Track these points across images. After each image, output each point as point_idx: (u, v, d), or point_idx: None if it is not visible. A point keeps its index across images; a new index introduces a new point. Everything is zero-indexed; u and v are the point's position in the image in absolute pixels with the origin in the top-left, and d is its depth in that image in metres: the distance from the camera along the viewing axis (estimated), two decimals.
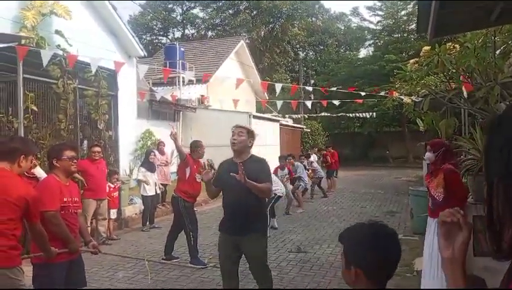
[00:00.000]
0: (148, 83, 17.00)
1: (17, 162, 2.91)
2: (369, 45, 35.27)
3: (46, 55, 6.46)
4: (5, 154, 2.91)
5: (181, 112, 15.63)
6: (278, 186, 8.14)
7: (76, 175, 7.02)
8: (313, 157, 13.20)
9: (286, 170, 9.73)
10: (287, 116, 22.02)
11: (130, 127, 11.08)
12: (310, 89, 14.74)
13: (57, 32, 9.13)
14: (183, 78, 17.87)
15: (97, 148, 7.35)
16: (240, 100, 12.70)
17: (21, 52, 6.36)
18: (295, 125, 22.23)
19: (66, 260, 3.24)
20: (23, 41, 7.27)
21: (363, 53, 36.38)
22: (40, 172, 6.44)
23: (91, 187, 7.05)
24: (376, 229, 1.56)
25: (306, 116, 23.45)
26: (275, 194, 8.00)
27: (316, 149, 14.27)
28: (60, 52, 7.80)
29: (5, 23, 7.75)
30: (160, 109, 14.74)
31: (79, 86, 8.35)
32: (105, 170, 7.52)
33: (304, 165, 11.72)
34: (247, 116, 15.83)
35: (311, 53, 39.46)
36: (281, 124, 19.17)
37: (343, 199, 12.11)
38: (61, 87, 7.76)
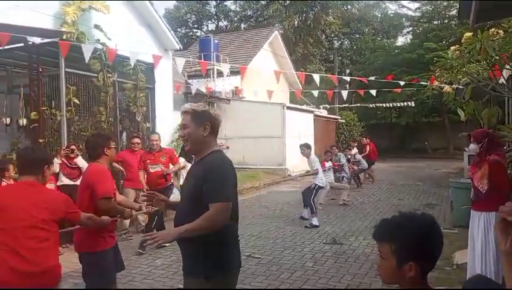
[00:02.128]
0: (184, 75, 17.22)
1: (41, 173, 2.79)
2: (407, 32, 34.17)
3: (87, 50, 6.66)
4: (29, 167, 2.78)
5: (215, 104, 15.76)
6: (321, 177, 8.13)
7: (117, 165, 7.27)
8: (355, 150, 13.22)
9: (330, 162, 9.93)
10: (321, 106, 21.76)
11: (167, 119, 11.27)
12: (348, 78, 14.46)
13: (96, 26, 9.38)
14: (217, 70, 18.02)
15: (137, 140, 7.54)
16: (274, 91, 12.64)
17: (63, 47, 6.59)
18: (330, 116, 21.93)
19: (114, 245, 3.39)
20: (64, 37, 7.51)
21: (400, 41, 35.34)
22: (82, 162, 6.70)
23: (130, 177, 7.24)
24: (427, 220, 1.51)
25: (341, 105, 23.02)
26: (316, 184, 7.96)
27: (356, 143, 14.19)
28: (100, 47, 8.01)
29: (46, 19, 8.04)
30: (195, 102, 14.90)
31: (118, 79, 8.58)
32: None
33: (348, 159, 12.10)
34: (280, 107, 15.77)
35: (346, 42, 38.68)
36: (315, 115, 18.98)
37: (379, 191, 11.89)
38: (101, 81, 8.00)
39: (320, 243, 6.40)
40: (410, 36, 32.94)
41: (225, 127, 15.50)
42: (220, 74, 18.39)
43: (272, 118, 15.38)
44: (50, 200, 2.74)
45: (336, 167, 10.81)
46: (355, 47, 36.53)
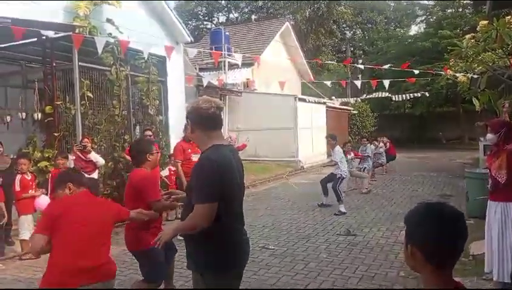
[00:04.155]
0: (195, 68, 17.23)
1: None
2: (421, 21, 33.62)
3: (100, 43, 6.69)
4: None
5: (227, 96, 15.75)
6: (344, 168, 8.31)
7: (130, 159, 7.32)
8: (382, 144, 13.31)
9: (352, 154, 10.21)
10: (333, 98, 21.59)
11: (179, 112, 11.28)
12: (362, 66, 14.26)
13: (108, 20, 9.40)
14: (229, 62, 18.00)
15: (149, 132, 7.60)
16: (286, 83, 12.58)
17: (77, 40, 6.63)
18: (342, 107, 21.77)
19: None
20: (77, 31, 7.55)
21: (414, 30, 34.78)
22: (95, 156, 6.77)
23: None
24: (434, 207, 1.49)
25: (356, 100, 22.73)
26: (340, 175, 8.16)
27: (385, 138, 14.15)
28: (112, 40, 8.04)
29: (59, 13, 8.08)
30: (207, 94, 14.92)
31: (130, 73, 8.61)
32: (158, 153, 7.72)
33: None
34: (292, 99, 15.70)
35: (358, 32, 38.24)
36: (327, 106, 18.85)
37: (393, 182, 11.79)
38: (114, 74, 8.04)
39: (334, 234, 6.39)
40: (423, 25, 32.42)
41: (237, 119, 15.51)
42: (231, 66, 18.38)
43: (284, 110, 15.32)
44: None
45: (360, 157, 11.04)
46: (367, 37, 36.11)
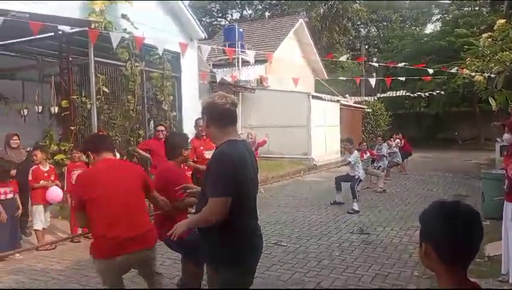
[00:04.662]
0: (209, 64, 17.26)
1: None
2: (437, 19, 33.12)
3: (115, 38, 6.73)
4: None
5: (240, 93, 15.75)
6: (360, 170, 8.44)
7: (144, 153, 7.38)
8: (396, 142, 13.19)
9: (369, 154, 10.29)
10: (347, 96, 21.42)
11: (193, 108, 11.32)
12: (376, 64, 14.14)
13: (123, 16, 9.46)
14: (242, 59, 17.99)
15: (161, 127, 7.61)
16: (299, 80, 12.51)
17: (92, 35, 6.68)
18: (356, 105, 21.59)
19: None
20: (92, 26, 7.62)
21: (430, 28, 34.29)
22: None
23: (156, 165, 7.30)
24: (449, 205, 1.46)
25: (371, 98, 22.51)
26: (359, 177, 8.30)
27: (399, 135, 14.03)
28: (127, 36, 8.09)
29: (74, 8, 8.16)
30: (220, 91, 14.96)
31: (145, 68, 8.67)
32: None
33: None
34: (306, 96, 15.62)
35: (373, 30, 37.86)
36: (341, 104, 18.72)
37: (408, 182, 11.67)
38: (129, 70, 8.11)
39: (347, 233, 6.35)
40: (439, 24, 31.93)
41: (250, 116, 15.49)
42: (244, 63, 18.37)
43: (297, 107, 15.25)
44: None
45: (375, 157, 11.03)
46: (382, 35, 35.74)
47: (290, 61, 19.23)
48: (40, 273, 4.82)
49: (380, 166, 11.07)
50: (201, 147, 6.02)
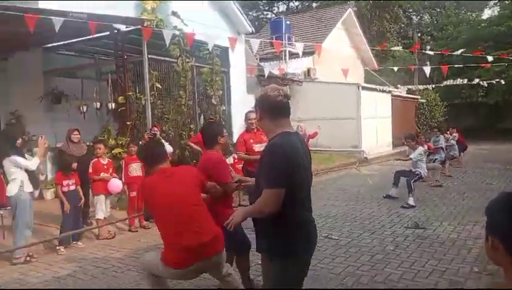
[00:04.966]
0: (256, 58, 17.31)
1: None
2: (495, 4, 31.08)
3: (167, 36, 6.91)
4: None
5: (287, 86, 15.68)
6: (423, 168, 8.18)
7: (195, 146, 7.55)
8: (454, 135, 12.76)
9: (426, 146, 9.81)
10: (399, 86, 20.70)
11: (241, 102, 11.45)
12: (431, 53, 13.55)
13: (174, 13, 9.71)
14: (289, 52, 17.89)
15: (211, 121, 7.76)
16: (349, 70, 12.23)
17: (146, 33, 6.90)
18: (409, 95, 20.82)
19: None
20: (145, 24, 7.87)
21: (487, 13, 32.28)
22: (164, 143, 7.04)
23: None
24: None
25: (429, 87, 21.55)
26: (420, 173, 8.02)
27: (455, 129, 13.46)
28: (178, 33, 8.29)
29: (128, 8, 8.45)
30: (268, 84, 14.96)
31: (195, 64, 8.87)
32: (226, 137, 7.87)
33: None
34: (355, 87, 15.27)
35: (426, 17, 36.23)
36: (392, 95, 18.12)
37: (465, 175, 11.13)
38: (180, 66, 8.32)
39: (402, 227, 6.16)
40: (497, 8, 29.96)
41: (298, 109, 15.39)
42: (292, 55, 18.24)
43: (347, 99, 14.95)
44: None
45: (432, 150, 10.66)
46: (436, 22, 34.12)
47: (339, 52, 18.85)
48: (101, 260, 5.09)
49: (436, 159, 10.63)
50: (251, 140, 6.02)
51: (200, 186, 3.21)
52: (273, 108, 2.45)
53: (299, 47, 11.76)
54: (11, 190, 5.00)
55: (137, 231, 6.41)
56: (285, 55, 17.70)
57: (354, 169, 11.64)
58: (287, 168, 2.28)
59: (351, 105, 14.96)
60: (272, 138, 2.44)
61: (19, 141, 5.13)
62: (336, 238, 5.64)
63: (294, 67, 17.61)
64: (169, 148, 7.16)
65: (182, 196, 3.01)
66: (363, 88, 15.53)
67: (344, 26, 21.13)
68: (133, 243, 5.80)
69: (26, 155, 5.30)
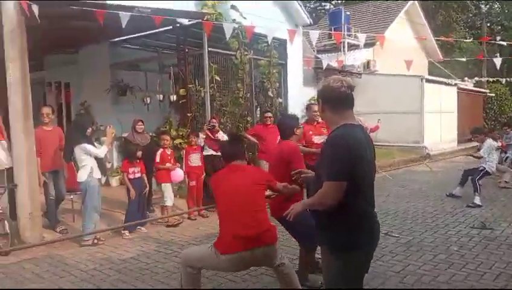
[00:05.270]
0: (313, 50, 17.09)
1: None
2: None
3: (228, 29, 7.00)
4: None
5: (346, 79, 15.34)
6: (490, 162, 7.72)
7: (252, 138, 7.63)
8: None
9: (499, 143, 9.21)
10: (466, 79, 19.53)
11: (298, 95, 11.37)
12: (504, 43, 12.63)
13: (233, 7, 9.81)
14: (348, 43, 17.48)
15: (269, 114, 7.79)
16: (412, 62, 11.71)
17: (207, 27, 7.03)
18: (476, 89, 19.58)
19: None
20: (206, 18, 8.01)
21: None
22: (222, 136, 7.17)
23: (264, 149, 7.50)
24: None
25: (495, 80, 20.15)
26: (484, 168, 7.59)
27: None
28: (237, 26, 8.36)
29: (189, 1, 8.63)
30: (325, 76, 14.74)
31: (253, 57, 8.92)
32: (277, 135, 7.87)
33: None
34: (418, 80, 14.61)
35: (496, 5, 33.77)
36: (458, 88, 17.14)
37: None
38: (239, 58, 8.41)
39: (467, 227, 5.84)
40: None
41: (356, 102, 14.99)
42: (350, 47, 17.81)
43: (409, 92, 14.35)
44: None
45: (504, 148, 9.92)
46: (507, 11, 31.69)
47: (400, 43, 18.12)
48: (163, 246, 5.31)
49: (508, 156, 9.94)
50: (311, 132, 5.98)
51: (263, 186, 3.37)
52: (335, 100, 2.40)
53: (361, 38, 11.40)
54: (81, 176, 5.34)
55: (195, 219, 6.62)
56: (343, 47, 17.31)
57: (425, 165, 11.19)
58: (349, 160, 2.24)
59: (413, 98, 14.35)
60: (334, 129, 2.39)
61: (89, 130, 5.45)
62: (396, 235, 5.46)
63: (353, 59, 17.18)
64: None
65: (243, 191, 3.22)
66: (427, 80, 14.84)
67: (407, 16, 20.25)
68: (191, 231, 6.00)
69: (95, 143, 5.63)
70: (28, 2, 5.07)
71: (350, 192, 2.26)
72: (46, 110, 5.99)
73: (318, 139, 5.91)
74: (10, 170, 5.46)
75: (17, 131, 5.32)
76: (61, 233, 5.78)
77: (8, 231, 5.10)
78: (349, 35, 17.45)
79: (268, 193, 3.57)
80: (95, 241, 5.39)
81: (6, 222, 5.15)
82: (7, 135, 5.40)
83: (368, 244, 2.42)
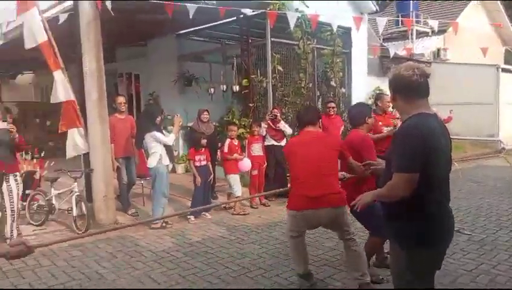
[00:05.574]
0: (379, 38, 16.50)
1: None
2: None
3: (292, 19, 6.94)
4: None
5: None
6: None
7: None
8: None
9: None
10: None
11: (361, 84, 11.05)
12: None
13: None
14: (416, 30, 16.69)
15: (332, 104, 7.62)
16: (487, 50, 10.92)
17: (271, 17, 7.02)
18: None
19: None
20: (269, 8, 7.99)
21: None
22: (284, 126, 7.18)
23: None
24: None
25: None
26: None
27: None
28: (300, 15, 8.26)
29: None
30: (391, 65, 14.17)
31: (316, 46, 8.78)
32: (340, 125, 7.71)
33: None
34: (494, 69, 13.63)
35: None
36: None
37: None
38: (301, 48, 8.32)
39: None
40: None
41: None
42: (419, 34, 16.99)
43: (483, 82, 13.42)
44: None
45: None
46: None
47: (474, 30, 16.97)
48: (227, 232, 5.45)
49: None
50: (380, 123, 5.81)
51: (337, 152, 3.50)
52: (407, 88, 2.29)
53: (433, 24, 10.80)
54: (151, 162, 5.60)
55: (257, 208, 6.70)
56: (412, 35, 16.54)
57: (503, 159, 10.44)
58: (423, 151, 2.13)
59: (488, 89, 13.41)
60: (407, 119, 2.28)
61: (158, 118, 5.70)
62: (468, 233, 5.16)
63: (422, 47, 16.38)
64: (288, 129, 7.29)
65: (317, 154, 3.42)
66: (503, 70, 13.79)
67: (481, 2, 18.88)
68: (253, 219, 6.09)
69: (163, 132, 5.87)
70: (101, 1, 5.37)
71: (424, 184, 2.15)
72: (121, 99, 6.37)
73: (387, 130, 5.72)
74: (86, 155, 5.86)
75: (93, 118, 5.69)
76: (132, 216, 6.13)
77: (85, 212, 5.49)
78: (417, 22, 16.65)
79: (339, 176, 3.59)
80: (164, 224, 5.65)
81: (83, 203, 5.54)
82: (84, 122, 5.78)
83: (441, 240, 2.29)
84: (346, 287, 3.70)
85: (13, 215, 4.80)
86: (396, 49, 13.87)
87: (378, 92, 12.32)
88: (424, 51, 16.16)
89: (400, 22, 16.59)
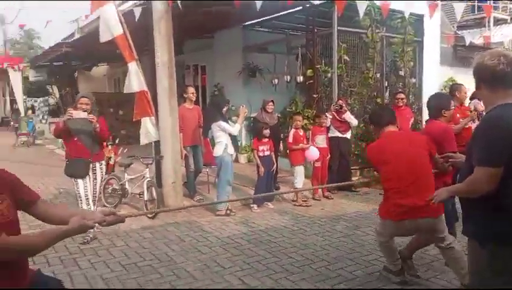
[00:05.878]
0: (453, 26, 15.53)
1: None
2: None
3: (361, 7, 6.72)
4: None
5: None
6: None
7: None
8: None
9: None
10: None
11: (433, 75, 10.48)
12: None
13: None
14: (494, 18, 15.49)
15: (401, 95, 7.30)
16: None
17: (339, 5, 6.83)
18: None
19: None
20: None
21: None
22: (350, 117, 7.01)
23: None
24: None
25: None
26: None
27: None
28: (369, 2, 7.97)
29: None
30: (467, 55, 13.28)
31: (385, 34, 8.44)
32: (410, 117, 7.36)
33: None
34: None
35: None
36: None
37: None
38: (369, 37, 8.05)
39: None
40: None
41: None
42: (498, 21, 15.76)
43: None
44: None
45: None
46: None
47: None
48: (289, 222, 5.46)
49: None
50: (458, 115, 5.52)
51: (428, 151, 3.33)
52: (491, 78, 2.14)
53: None
54: (217, 151, 5.75)
55: (320, 200, 6.64)
56: (489, 22, 15.40)
57: None
58: (506, 143, 1.99)
59: None
60: (491, 110, 2.14)
61: (225, 109, 5.82)
62: None
63: (501, 35, 15.19)
64: (354, 121, 7.12)
65: (408, 157, 3.24)
66: None
67: None
68: (316, 211, 6.04)
69: (229, 122, 5.99)
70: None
71: (509, 178, 2.01)
72: (192, 89, 6.60)
73: (464, 123, 5.44)
74: (157, 143, 6.15)
75: (164, 108, 5.95)
76: (198, 202, 6.35)
77: (155, 197, 5.78)
78: (495, 8, 15.45)
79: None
80: (228, 211, 5.79)
81: (153, 189, 5.82)
82: (155, 111, 6.05)
83: None
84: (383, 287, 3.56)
85: (95, 199, 5.04)
86: (472, 37, 12.97)
87: (452, 82, 11.65)
88: (503, 39, 14.94)
89: (476, 8, 15.51)
